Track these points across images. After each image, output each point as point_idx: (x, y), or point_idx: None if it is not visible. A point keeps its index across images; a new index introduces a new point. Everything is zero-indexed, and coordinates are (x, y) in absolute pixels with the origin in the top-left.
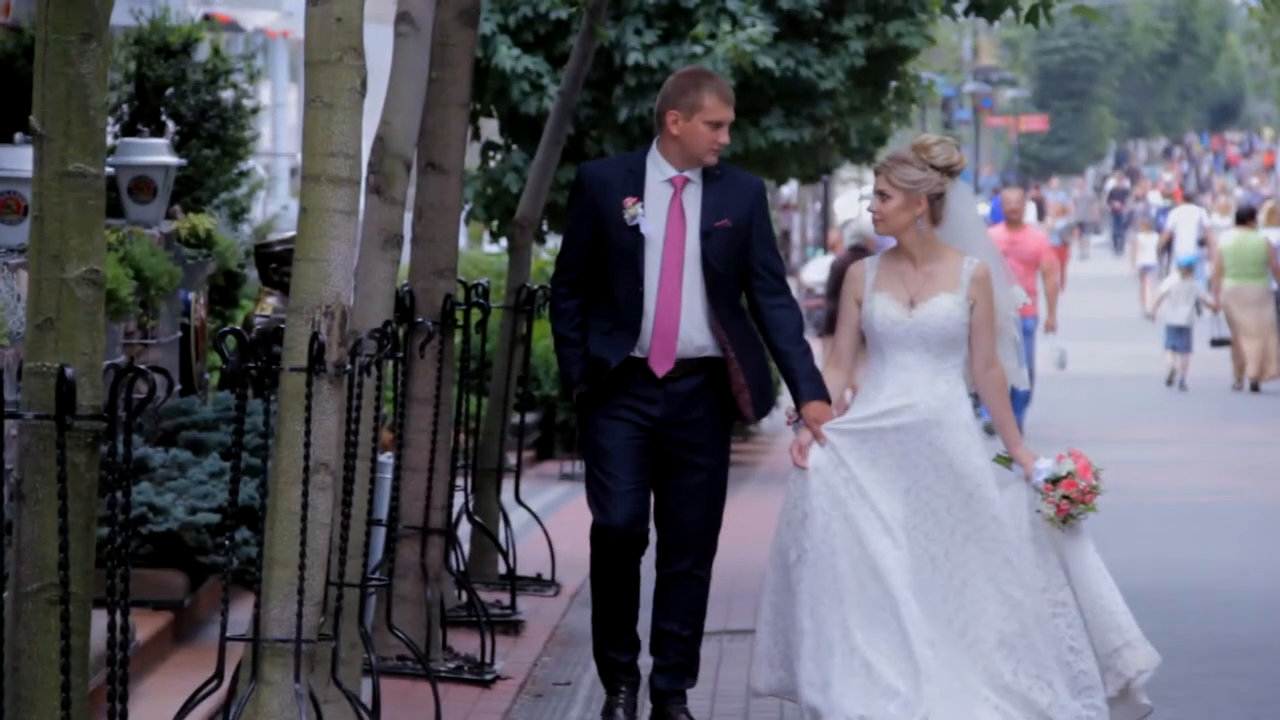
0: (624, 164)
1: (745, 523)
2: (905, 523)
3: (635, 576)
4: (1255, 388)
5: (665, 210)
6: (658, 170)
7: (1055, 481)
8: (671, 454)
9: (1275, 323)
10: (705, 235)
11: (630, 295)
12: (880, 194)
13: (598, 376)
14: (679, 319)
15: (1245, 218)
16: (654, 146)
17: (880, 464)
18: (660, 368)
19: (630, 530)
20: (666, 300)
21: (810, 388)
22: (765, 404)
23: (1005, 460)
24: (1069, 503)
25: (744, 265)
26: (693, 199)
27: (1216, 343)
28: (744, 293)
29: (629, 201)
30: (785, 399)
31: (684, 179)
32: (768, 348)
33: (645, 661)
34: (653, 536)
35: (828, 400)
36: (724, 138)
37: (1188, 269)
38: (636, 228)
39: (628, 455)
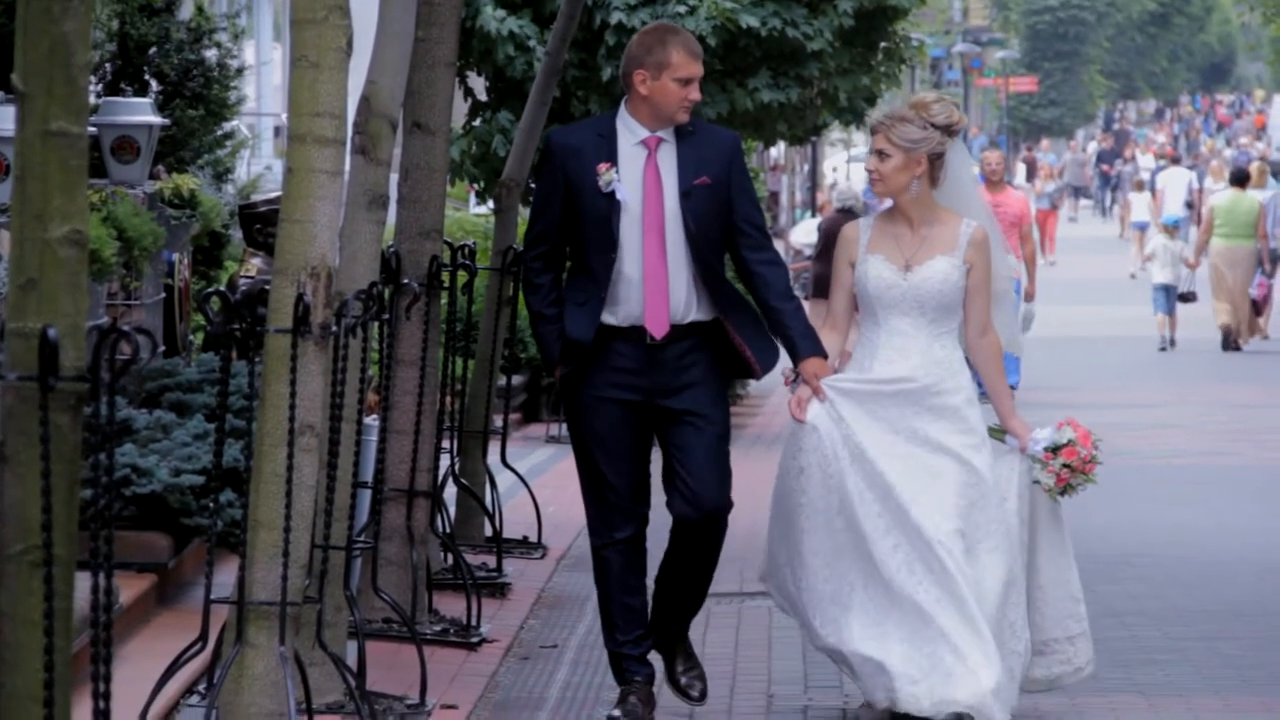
0: (593, 128)
1: (734, 486)
2: (907, 490)
3: (642, 560)
4: (1236, 346)
5: (640, 173)
6: (629, 133)
7: (1055, 450)
8: (673, 417)
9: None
10: (685, 195)
11: (607, 264)
12: (879, 153)
13: (577, 357)
14: (668, 283)
15: (1241, 179)
16: (623, 108)
17: (880, 425)
18: (659, 330)
19: (633, 509)
20: (652, 265)
21: (807, 344)
22: (773, 354)
23: (999, 432)
24: (1070, 472)
25: (726, 222)
26: (668, 159)
27: (1184, 297)
28: (729, 250)
29: (603, 167)
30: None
31: (657, 139)
32: (757, 305)
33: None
34: (664, 517)
35: (825, 356)
36: (694, 94)
37: (1173, 228)
38: (612, 194)
39: (622, 436)
